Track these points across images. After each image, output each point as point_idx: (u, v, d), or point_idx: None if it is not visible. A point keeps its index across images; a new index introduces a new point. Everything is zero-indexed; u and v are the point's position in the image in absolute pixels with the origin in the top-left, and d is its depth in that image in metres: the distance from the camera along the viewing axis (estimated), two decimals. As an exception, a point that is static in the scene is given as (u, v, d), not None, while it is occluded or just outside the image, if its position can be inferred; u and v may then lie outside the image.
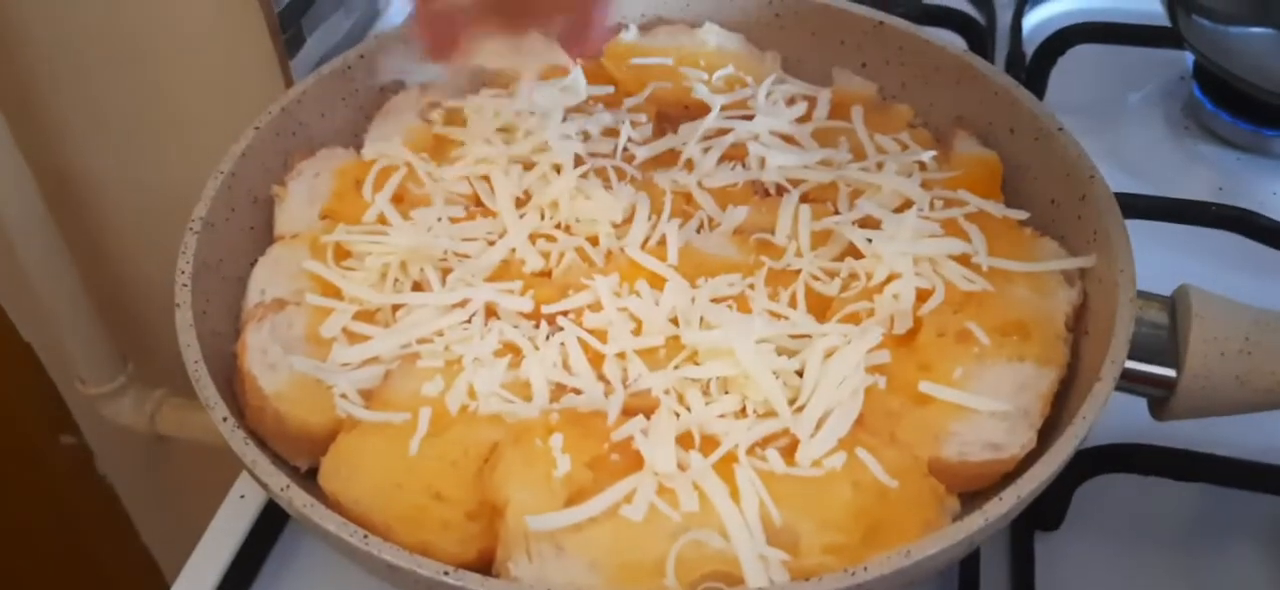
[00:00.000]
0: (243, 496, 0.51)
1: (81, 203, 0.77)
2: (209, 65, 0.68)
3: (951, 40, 0.57)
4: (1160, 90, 0.69)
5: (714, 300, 0.46)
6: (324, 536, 0.38)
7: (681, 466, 0.40)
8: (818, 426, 0.41)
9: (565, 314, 0.46)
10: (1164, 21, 0.65)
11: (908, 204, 0.50)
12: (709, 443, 0.41)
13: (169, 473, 0.92)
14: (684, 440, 0.41)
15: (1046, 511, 0.48)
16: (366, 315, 0.47)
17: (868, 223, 0.49)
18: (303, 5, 0.64)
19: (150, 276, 0.81)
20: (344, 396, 0.43)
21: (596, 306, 0.46)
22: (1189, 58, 0.68)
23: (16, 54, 0.69)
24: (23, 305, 0.78)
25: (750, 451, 0.40)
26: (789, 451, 0.41)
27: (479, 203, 0.52)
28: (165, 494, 0.93)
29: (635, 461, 0.40)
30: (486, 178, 0.52)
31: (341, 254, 0.49)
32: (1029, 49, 0.71)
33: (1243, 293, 0.44)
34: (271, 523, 0.50)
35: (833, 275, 0.47)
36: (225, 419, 0.40)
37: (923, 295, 0.45)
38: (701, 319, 0.45)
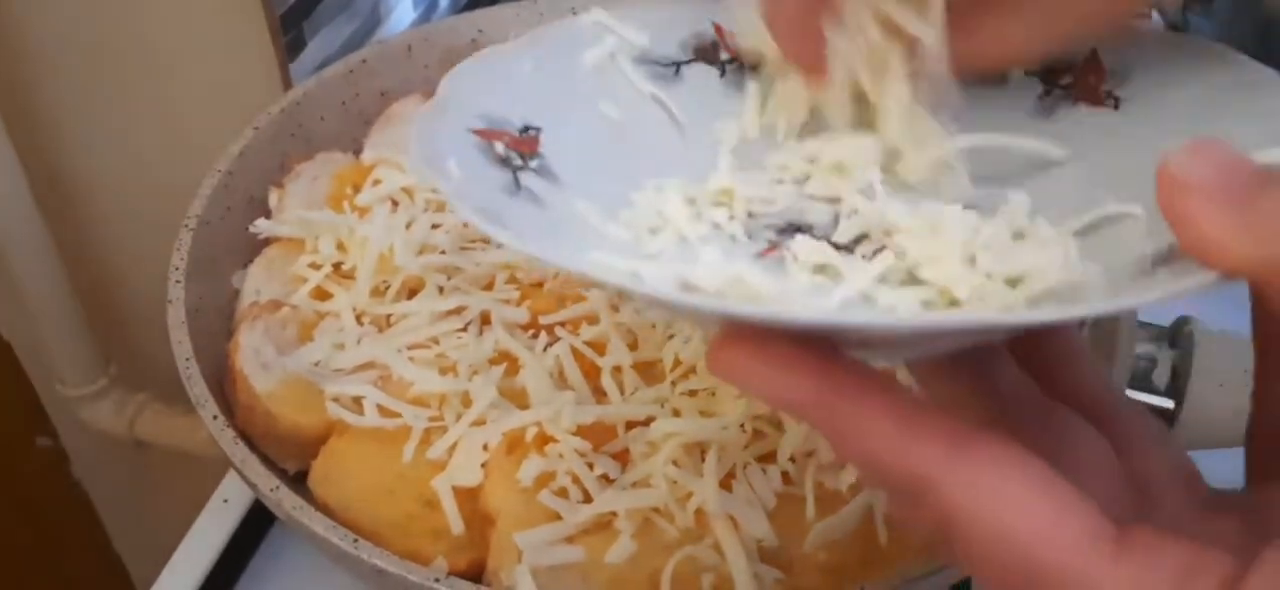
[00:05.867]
0: (226, 500, 0.50)
1: (72, 201, 0.77)
2: (208, 67, 0.67)
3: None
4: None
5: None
6: (312, 539, 0.37)
7: (677, 482, 0.39)
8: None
9: (562, 324, 0.45)
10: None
11: None
12: (705, 458, 0.40)
13: (146, 480, 0.91)
14: (680, 455, 0.40)
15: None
16: (361, 319, 0.46)
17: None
18: (305, 8, 0.64)
19: (139, 278, 0.80)
20: (336, 400, 0.42)
21: (593, 318, 0.45)
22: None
23: (13, 50, 0.69)
24: (4, 302, 0.77)
25: (747, 468, 0.40)
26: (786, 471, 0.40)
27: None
28: (141, 502, 0.92)
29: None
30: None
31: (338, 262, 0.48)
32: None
33: (1240, 330, 0.44)
34: (253, 530, 0.50)
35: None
36: (215, 417, 0.40)
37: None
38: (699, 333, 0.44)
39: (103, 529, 0.94)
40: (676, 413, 0.42)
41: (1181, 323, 0.44)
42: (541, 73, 0.33)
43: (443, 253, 0.48)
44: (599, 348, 0.44)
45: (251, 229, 0.49)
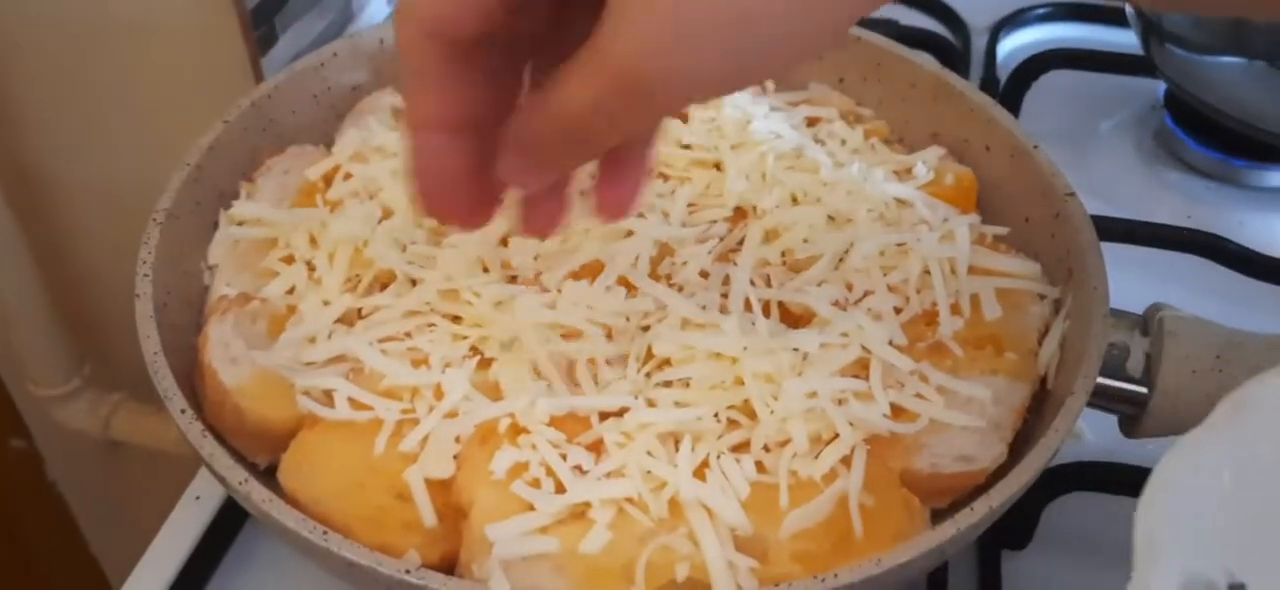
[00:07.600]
0: (198, 498, 0.50)
1: (42, 198, 0.76)
2: (179, 62, 0.66)
3: (926, 61, 0.57)
4: (1132, 118, 0.70)
5: (688, 308, 0.45)
6: (282, 533, 0.36)
7: (651, 472, 0.39)
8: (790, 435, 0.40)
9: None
10: (1137, 50, 0.66)
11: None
12: (680, 448, 0.40)
13: (121, 481, 0.90)
14: (654, 446, 0.40)
15: (1014, 530, 0.48)
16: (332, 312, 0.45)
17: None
18: (276, 3, 0.63)
19: (111, 276, 0.79)
20: (307, 393, 0.42)
21: (568, 310, 0.45)
22: (1161, 87, 0.69)
23: (-21, 44, 0.68)
24: (-25, 303, 0.77)
25: (721, 458, 0.40)
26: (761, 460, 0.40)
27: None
28: (116, 502, 0.91)
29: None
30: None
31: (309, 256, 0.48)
32: (1003, 74, 0.72)
33: (1211, 317, 0.44)
34: (225, 527, 0.49)
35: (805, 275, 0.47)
36: (183, 411, 0.39)
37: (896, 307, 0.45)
38: (675, 325, 0.44)
39: (78, 530, 0.93)
40: (651, 403, 0.41)
41: (1154, 310, 0.44)
42: (1245, 481, 0.27)
43: (414, 243, 0.47)
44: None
45: (221, 223, 0.49)
